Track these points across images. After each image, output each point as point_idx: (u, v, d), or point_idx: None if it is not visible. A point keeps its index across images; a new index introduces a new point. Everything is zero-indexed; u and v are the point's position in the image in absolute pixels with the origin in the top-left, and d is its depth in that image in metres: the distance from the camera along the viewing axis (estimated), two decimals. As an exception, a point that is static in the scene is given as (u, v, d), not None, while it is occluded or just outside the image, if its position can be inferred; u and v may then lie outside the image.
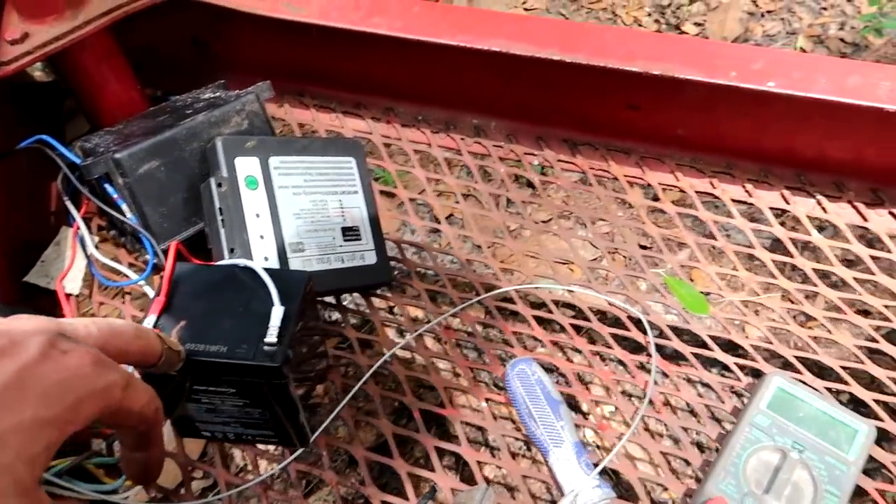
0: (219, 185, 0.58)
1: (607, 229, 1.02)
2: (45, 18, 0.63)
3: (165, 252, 0.60)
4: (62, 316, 0.64)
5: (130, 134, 0.63)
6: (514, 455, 0.72)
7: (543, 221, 0.71)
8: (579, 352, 0.61)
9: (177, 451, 0.56)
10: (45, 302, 0.64)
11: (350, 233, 0.65)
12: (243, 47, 0.80)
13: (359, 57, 0.74)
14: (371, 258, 0.65)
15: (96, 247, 0.67)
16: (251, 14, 0.71)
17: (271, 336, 0.46)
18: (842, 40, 1.59)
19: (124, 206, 0.59)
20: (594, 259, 0.68)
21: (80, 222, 0.67)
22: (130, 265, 0.67)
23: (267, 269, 0.50)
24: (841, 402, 0.53)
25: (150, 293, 0.63)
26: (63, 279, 0.63)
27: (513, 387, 0.54)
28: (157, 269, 0.62)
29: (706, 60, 0.59)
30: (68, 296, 0.64)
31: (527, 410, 0.53)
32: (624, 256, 1.01)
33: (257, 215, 0.60)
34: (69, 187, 0.69)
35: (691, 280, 0.95)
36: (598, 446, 0.70)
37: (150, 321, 0.48)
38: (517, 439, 0.55)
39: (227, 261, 0.52)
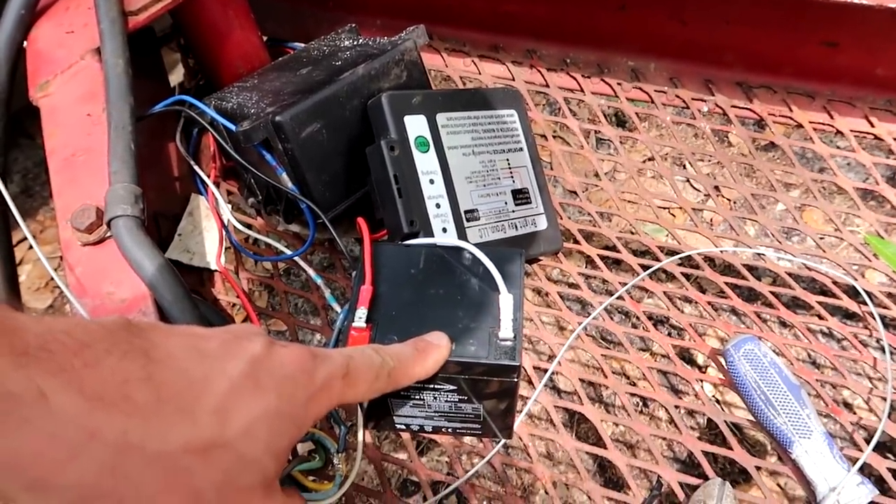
0: (391, 148, 0.51)
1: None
2: (172, -40, 0.55)
3: (321, 223, 0.53)
4: (211, 292, 0.59)
5: (275, 91, 0.56)
6: (749, 445, 0.66)
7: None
8: (786, 324, 0.55)
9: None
10: (189, 278, 0.58)
11: (520, 196, 0.58)
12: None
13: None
14: (542, 223, 0.59)
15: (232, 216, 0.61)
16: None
17: (506, 330, 0.41)
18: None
19: (283, 176, 0.53)
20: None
21: (214, 190, 0.60)
22: (273, 236, 0.61)
23: (481, 248, 0.44)
24: None
25: (307, 268, 0.57)
26: (218, 257, 0.57)
27: (740, 370, 0.49)
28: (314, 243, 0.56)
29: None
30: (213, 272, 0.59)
31: (762, 398, 0.47)
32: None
33: (431, 181, 0.53)
34: (190, 149, 0.63)
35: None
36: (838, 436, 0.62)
37: (361, 314, 0.42)
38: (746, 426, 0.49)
39: (433, 240, 0.46)
